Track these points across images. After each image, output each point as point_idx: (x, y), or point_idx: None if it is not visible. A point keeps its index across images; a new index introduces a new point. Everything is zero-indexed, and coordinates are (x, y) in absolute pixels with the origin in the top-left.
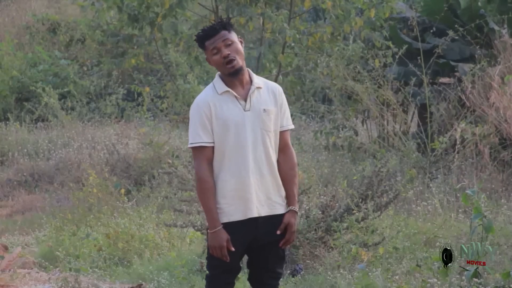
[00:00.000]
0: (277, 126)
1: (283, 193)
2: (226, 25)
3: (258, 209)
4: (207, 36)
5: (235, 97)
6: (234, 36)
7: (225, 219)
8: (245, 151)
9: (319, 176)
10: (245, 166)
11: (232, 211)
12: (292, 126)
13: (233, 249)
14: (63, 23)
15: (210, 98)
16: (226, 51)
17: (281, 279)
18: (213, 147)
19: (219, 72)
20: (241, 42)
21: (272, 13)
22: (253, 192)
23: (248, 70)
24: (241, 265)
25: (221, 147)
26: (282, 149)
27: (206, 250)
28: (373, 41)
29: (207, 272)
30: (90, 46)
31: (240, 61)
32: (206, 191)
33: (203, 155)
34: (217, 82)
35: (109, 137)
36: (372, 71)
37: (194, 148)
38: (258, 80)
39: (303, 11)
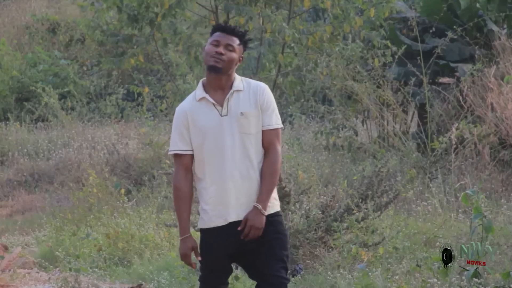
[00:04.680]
0: (259, 127)
1: (272, 194)
2: (243, 38)
3: (238, 213)
4: (223, 29)
5: (212, 103)
6: (239, 49)
7: (207, 224)
8: (223, 156)
9: (319, 176)
10: (223, 172)
11: (213, 217)
12: (277, 126)
13: (199, 258)
14: (62, 23)
15: (188, 106)
16: (222, 51)
17: (287, 285)
18: (191, 155)
19: (202, 79)
20: (240, 60)
21: (271, 13)
22: (232, 197)
23: (234, 76)
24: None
25: (200, 154)
26: (266, 148)
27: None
28: (372, 41)
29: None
30: (90, 46)
31: (224, 67)
32: (178, 199)
33: (180, 162)
34: (198, 89)
35: (109, 137)
36: (372, 71)
37: (173, 156)
38: (239, 83)
39: (303, 10)
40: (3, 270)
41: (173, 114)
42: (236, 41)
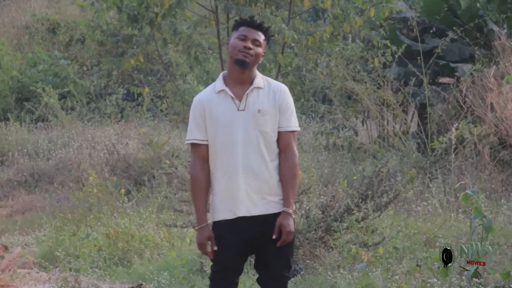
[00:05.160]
0: (275, 126)
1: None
2: (267, 34)
3: (249, 208)
4: (249, 24)
5: (231, 97)
6: (264, 45)
7: (216, 217)
8: (236, 150)
9: (319, 176)
10: (235, 166)
11: (222, 209)
12: (295, 128)
13: (216, 248)
14: (62, 23)
15: (206, 97)
16: (250, 45)
17: (287, 282)
18: (207, 145)
19: (223, 72)
20: (263, 55)
21: (270, 14)
22: (242, 192)
23: (255, 73)
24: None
25: (213, 146)
26: (283, 150)
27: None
28: (372, 41)
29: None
30: (90, 46)
31: (251, 61)
32: (195, 188)
33: (197, 152)
34: (218, 81)
35: (109, 137)
36: (372, 71)
37: (190, 145)
38: (260, 80)
39: (303, 10)
40: (3, 270)
41: (173, 114)
42: (262, 36)
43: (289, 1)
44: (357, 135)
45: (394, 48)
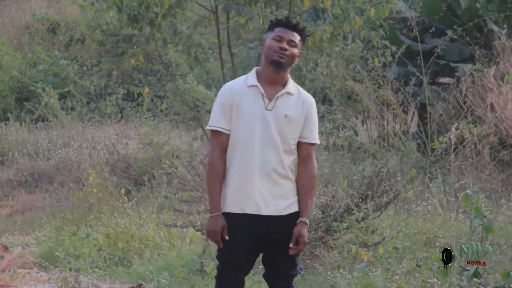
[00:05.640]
0: (296, 134)
1: (295, 196)
2: (303, 34)
3: (260, 207)
4: (285, 25)
5: (261, 94)
6: (300, 45)
7: (225, 209)
8: (254, 147)
9: (319, 176)
10: (252, 162)
11: (231, 202)
12: (317, 141)
13: (227, 238)
14: (62, 23)
15: (237, 88)
16: (286, 46)
17: (292, 280)
18: (229, 135)
19: (256, 67)
20: (299, 55)
21: (270, 14)
22: (256, 190)
23: (288, 76)
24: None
25: (234, 138)
26: (304, 160)
27: (217, 248)
28: (372, 41)
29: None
30: (90, 46)
31: (286, 63)
32: (212, 176)
33: (218, 140)
34: (251, 75)
35: (109, 137)
36: (372, 71)
37: (211, 131)
38: (292, 86)
39: (303, 10)
40: (3, 270)
41: (173, 114)
42: (297, 37)
43: (289, 1)
44: (357, 135)
45: (394, 48)
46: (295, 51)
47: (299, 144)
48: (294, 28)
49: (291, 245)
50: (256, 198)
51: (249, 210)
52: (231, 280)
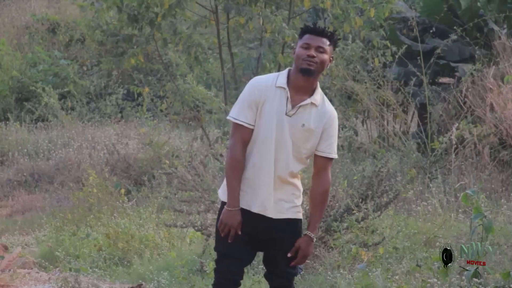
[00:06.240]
0: (311, 145)
1: (299, 202)
2: (333, 39)
3: (266, 208)
4: (313, 31)
5: (287, 97)
6: (329, 50)
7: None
8: (270, 148)
9: None
10: (265, 162)
11: (241, 197)
12: (334, 156)
13: (240, 233)
14: (62, 23)
15: (266, 85)
16: (314, 53)
17: (293, 278)
18: (252, 131)
19: (289, 68)
20: (331, 60)
21: (270, 14)
22: (264, 191)
23: (317, 85)
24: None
25: (254, 134)
26: (318, 172)
27: (215, 239)
28: (372, 41)
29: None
30: (90, 46)
31: (316, 69)
32: (232, 169)
33: (241, 134)
34: (282, 76)
35: (109, 137)
36: (372, 71)
37: (234, 124)
38: (318, 97)
39: (303, 10)
40: (3, 270)
41: (173, 114)
42: (326, 42)
43: (289, 1)
44: (357, 135)
45: (394, 48)
46: (325, 56)
47: (315, 157)
48: (322, 33)
49: (289, 254)
50: (264, 198)
51: (255, 209)
52: (228, 270)
